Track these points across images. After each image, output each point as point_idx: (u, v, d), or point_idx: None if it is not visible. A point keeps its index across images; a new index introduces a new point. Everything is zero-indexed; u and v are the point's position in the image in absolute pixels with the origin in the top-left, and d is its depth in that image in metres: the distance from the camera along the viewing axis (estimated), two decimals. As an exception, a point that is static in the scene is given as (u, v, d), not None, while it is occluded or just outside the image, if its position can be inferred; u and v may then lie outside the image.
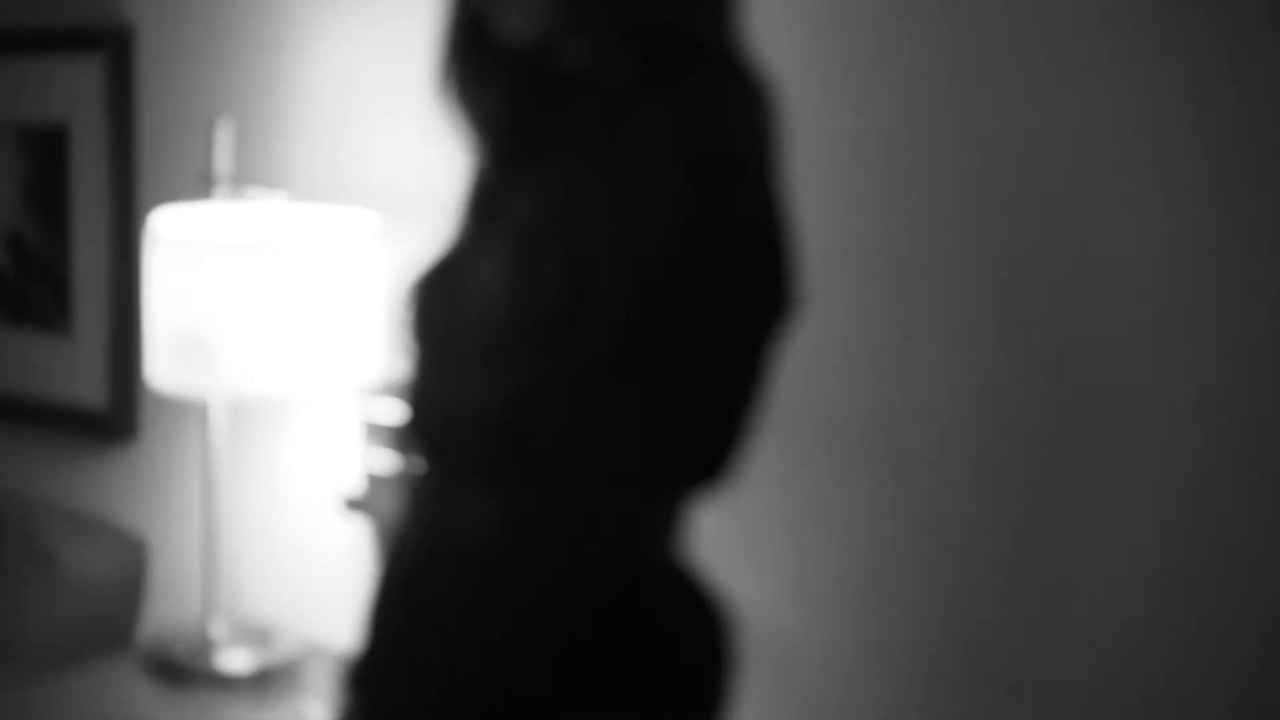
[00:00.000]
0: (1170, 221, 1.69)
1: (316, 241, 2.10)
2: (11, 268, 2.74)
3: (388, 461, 2.01)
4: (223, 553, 2.30)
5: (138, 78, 2.56)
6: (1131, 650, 1.76)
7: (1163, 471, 1.73)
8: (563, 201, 1.34)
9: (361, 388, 2.14)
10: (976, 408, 1.83)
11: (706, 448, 1.36)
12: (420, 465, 1.46)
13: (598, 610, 1.37)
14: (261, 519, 2.45)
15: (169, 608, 2.55)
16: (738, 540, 1.89)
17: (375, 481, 2.06)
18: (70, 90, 2.61)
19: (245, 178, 2.33)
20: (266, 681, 2.22)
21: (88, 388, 2.65)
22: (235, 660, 2.25)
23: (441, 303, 1.42)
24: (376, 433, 2.06)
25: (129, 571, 2.53)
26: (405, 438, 1.49)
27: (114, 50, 2.55)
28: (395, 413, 1.91)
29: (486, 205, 1.46)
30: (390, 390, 2.05)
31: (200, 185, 2.33)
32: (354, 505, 2.18)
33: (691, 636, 1.43)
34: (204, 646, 2.27)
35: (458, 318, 1.40)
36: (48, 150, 2.66)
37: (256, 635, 2.31)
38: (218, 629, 2.29)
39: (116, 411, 2.61)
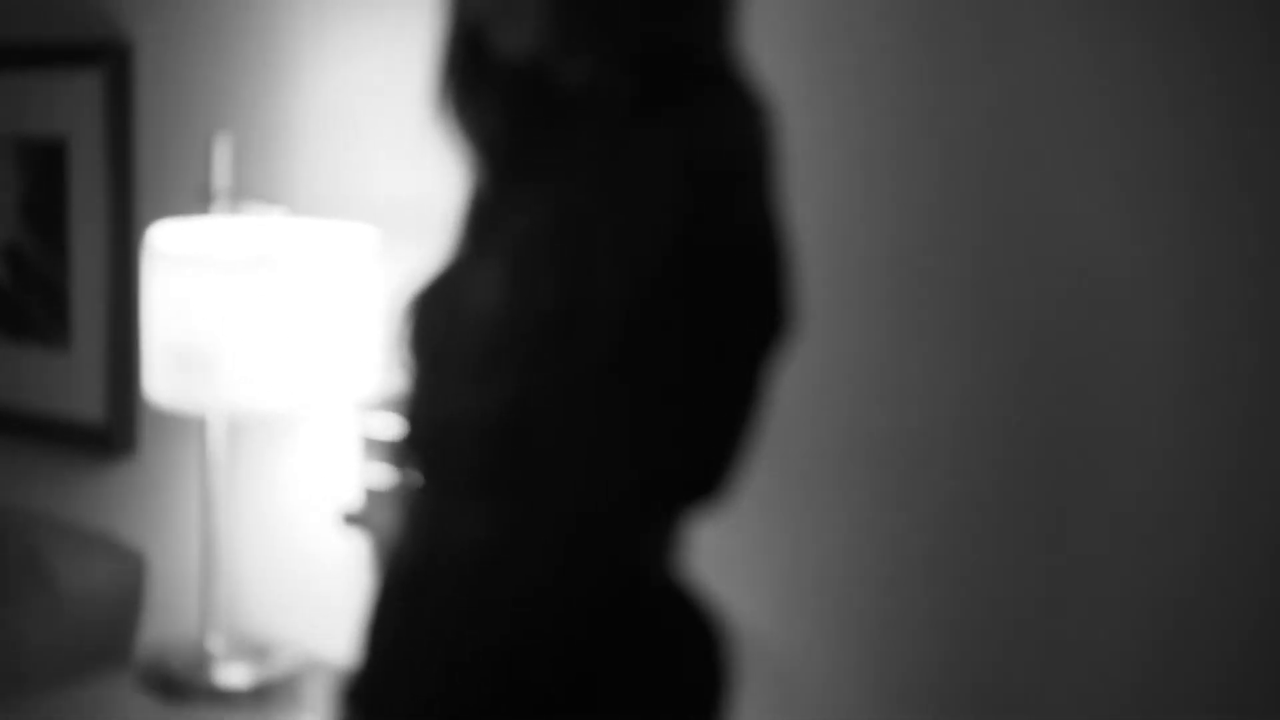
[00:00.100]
0: (1164, 225, 1.70)
1: (315, 257, 2.11)
2: (10, 281, 2.74)
3: (385, 476, 2.01)
4: (221, 567, 2.30)
5: (137, 92, 2.57)
6: (1130, 667, 1.76)
7: (1162, 485, 1.73)
8: (560, 217, 1.35)
9: (359, 403, 2.14)
10: (971, 423, 1.83)
11: (703, 463, 1.36)
12: (417, 479, 1.46)
13: (594, 622, 1.38)
14: (260, 533, 2.45)
15: (167, 622, 2.54)
16: (734, 555, 1.90)
17: (373, 496, 2.06)
18: (70, 104, 2.62)
19: (244, 192, 2.33)
20: (265, 696, 2.22)
21: (86, 402, 2.65)
22: (234, 675, 2.25)
23: (439, 318, 1.43)
24: (374, 447, 2.07)
25: (127, 586, 2.53)
26: (403, 452, 1.49)
27: (113, 65, 2.55)
28: (393, 427, 1.92)
29: (484, 221, 1.47)
30: (388, 405, 2.06)
31: (199, 200, 2.34)
32: (352, 520, 2.18)
33: (688, 650, 1.44)
34: (202, 661, 2.27)
35: (455, 333, 1.40)
36: (47, 164, 2.67)
37: (255, 650, 2.31)
38: (216, 643, 2.29)
39: (115, 426, 2.62)
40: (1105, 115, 1.72)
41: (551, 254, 1.33)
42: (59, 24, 2.66)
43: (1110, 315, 1.74)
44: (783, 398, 1.49)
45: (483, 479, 1.39)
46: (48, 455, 2.74)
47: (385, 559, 1.52)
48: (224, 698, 2.22)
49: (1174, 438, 1.71)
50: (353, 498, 2.19)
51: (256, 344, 2.08)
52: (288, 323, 2.09)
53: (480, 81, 1.44)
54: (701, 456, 1.36)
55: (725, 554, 1.78)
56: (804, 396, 1.83)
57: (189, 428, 2.48)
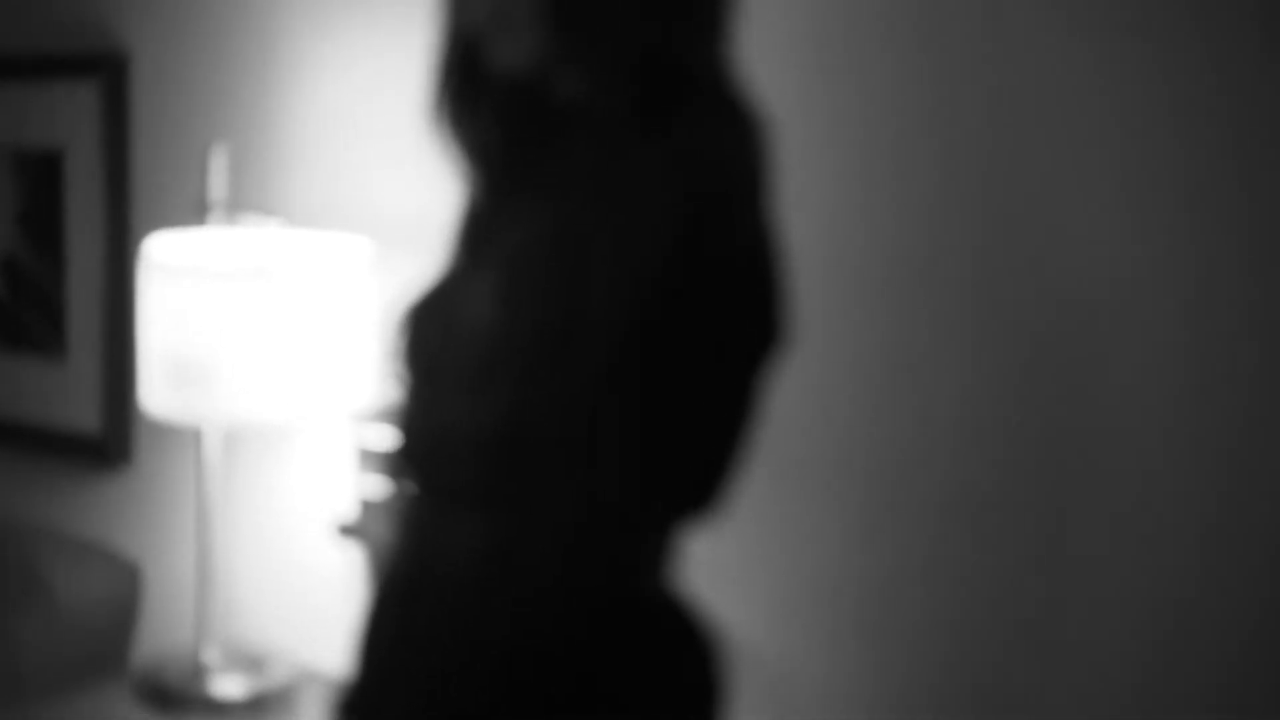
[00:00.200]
0: (1164, 225, 1.70)
1: (310, 268, 2.11)
2: (6, 292, 2.74)
3: (381, 487, 2.01)
4: (217, 578, 2.29)
5: (133, 104, 2.57)
6: (1130, 667, 1.76)
7: (1162, 485, 1.73)
8: (556, 230, 1.35)
9: (355, 414, 2.15)
10: (971, 424, 1.83)
11: (697, 475, 1.36)
12: (413, 491, 1.47)
13: (589, 633, 1.38)
14: (255, 544, 2.45)
15: (163, 632, 2.54)
16: (728, 567, 1.90)
17: (368, 507, 2.06)
18: (66, 116, 2.62)
19: (240, 204, 2.33)
20: (261, 707, 2.22)
21: (82, 413, 2.65)
22: (229, 686, 2.24)
23: (434, 330, 1.43)
24: (370, 459, 2.07)
25: (123, 597, 2.52)
26: (398, 463, 1.49)
27: (110, 76, 2.56)
28: (388, 439, 1.92)
29: (479, 233, 1.47)
30: (383, 416, 2.06)
31: (195, 211, 2.34)
32: (347, 531, 2.18)
33: (682, 663, 1.44)
34: (198, 672, 2.27)
35: (450, 345, 1.40)
36: (43, 175, 2.67)
37: (250, 661, 2.31)
38: (212, 654, 2.29)
39: (111, 436, 2.62)
40: (1105, 115, 1.73)
41: (547, 267, 1.34)
42: (56, 35, 2.66)
43: (1110, 315, 1.74)
44: (780, 399, 1.49)
45: (478, 490, 1.39)
46: (44, 466, 2.74)
47: (380, 570, 1.52)
48: (219, 708, 2.21)
49: (1174, 438, 1.72)
50: (348, 509, 2.19)
51: (252, 355, 2.08)
52: (283, 334, 2.09)
53: (476, 94, 1.44)
54: (696, 469, 1.36)
55: (722, 560, 1.78)
56: (802, 398, 1.83)
57: (185, 438, 2.48)
